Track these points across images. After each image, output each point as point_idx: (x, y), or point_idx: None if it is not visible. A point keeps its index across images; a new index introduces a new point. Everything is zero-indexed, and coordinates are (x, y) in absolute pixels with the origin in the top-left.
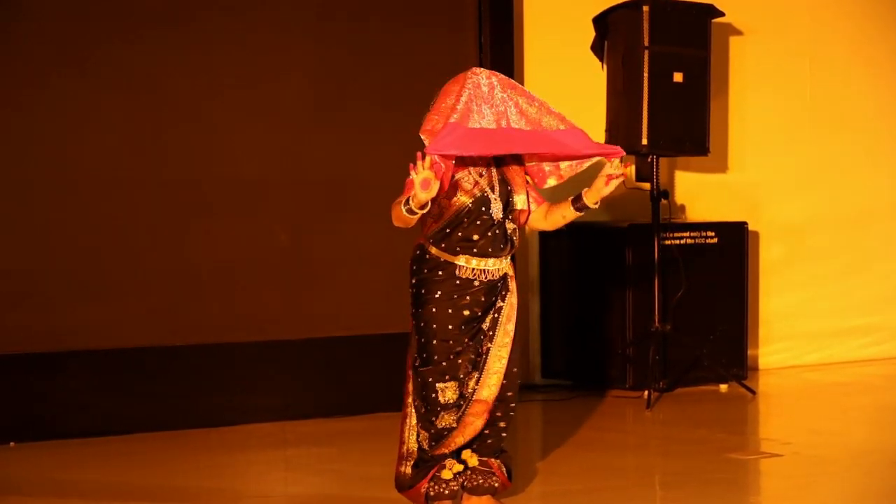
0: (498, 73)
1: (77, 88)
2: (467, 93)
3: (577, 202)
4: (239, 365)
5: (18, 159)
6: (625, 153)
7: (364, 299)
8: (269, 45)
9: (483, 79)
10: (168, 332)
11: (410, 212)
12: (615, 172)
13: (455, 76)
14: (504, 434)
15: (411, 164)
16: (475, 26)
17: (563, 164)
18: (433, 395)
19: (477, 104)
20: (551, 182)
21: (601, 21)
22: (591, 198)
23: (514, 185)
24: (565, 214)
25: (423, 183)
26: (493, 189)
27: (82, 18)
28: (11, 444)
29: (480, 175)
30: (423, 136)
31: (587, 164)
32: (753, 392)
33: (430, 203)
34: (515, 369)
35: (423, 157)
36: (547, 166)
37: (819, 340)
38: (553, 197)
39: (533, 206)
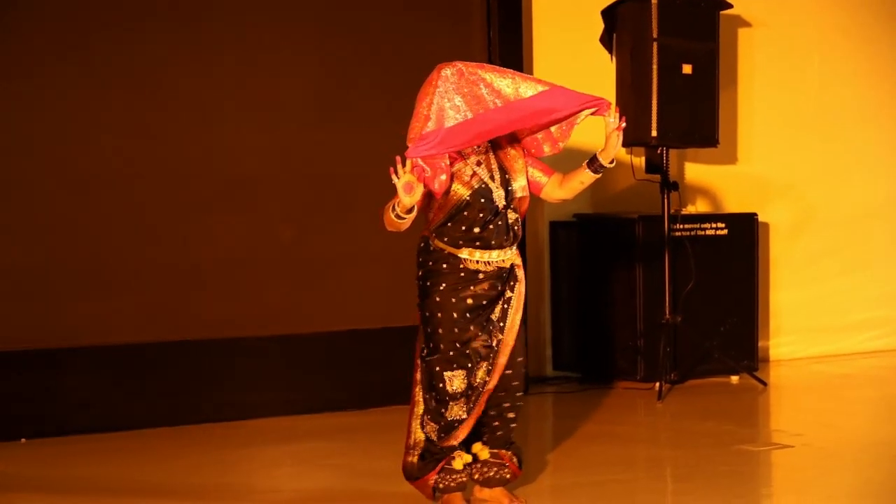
0: (463, 61)
1: (80, 86)
2: (438, 91)
3: (593, 164)
4: (245, 360)
5: (20, 156)
6: (610, 102)
7: (369, 294)
8: (272, 41)
9: (449, 71)
10: (174, 327)
11: (398, 216)
12: (617, 124)
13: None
14: (513, 425)
15: (391, 169)
16: (483, 20)
17: (554, 129)
18: (441, 385)
19: (449, 98)
20: (546, 150)
21: (610, 13)
22: (606, 156)
23: (511, 171)
24: (583, 180)
25: (405, 187)
26: (492, 178)
27: (85, 17)
28: (22, 440)
29: (478, 164)
30: (409, 145)
31: (578, 121)
32: (765, 384)
33: (415, 208)
34: (521, 359)
35: (403, 162)
36: (539, 135)
37: (829, 332)
38: (562, 168)
39: (543, 179)
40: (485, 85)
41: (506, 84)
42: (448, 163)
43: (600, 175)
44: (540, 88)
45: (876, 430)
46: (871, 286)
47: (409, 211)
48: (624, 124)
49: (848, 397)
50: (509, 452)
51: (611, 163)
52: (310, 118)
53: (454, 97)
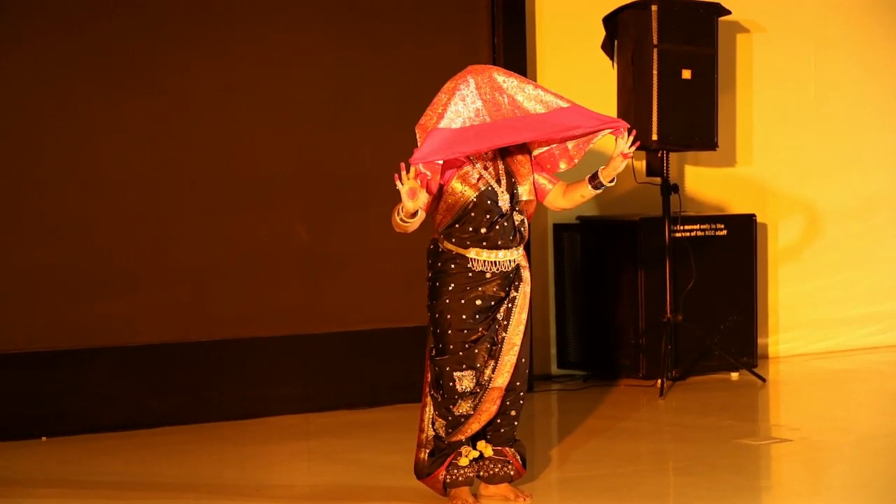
0: (495, 66)
1: (100, 89)
2: (459, 92)
3: (594, 180)
4: (262, 359)
5: (42, 159)
6: (628, 125)
7: (383, 293)
8: (287, 45)
9: (477, 75)
10: (192, 327)
11: (403, 220)
12: (628, 150)
13: (455, 73)
14: (516, 423)
15: (396, 175)
16: (488, 27)
17: (570, 145)
18: (450, 384)
19: (469, 102)
20: (563, 166)
21: (611, 20)
22: (608, 175)
23: (517, 176)
24: (584, 193)
25: (409, 193)
26: (498, 182)
27: (104, 21)
28: (43, 438)
29: (485, 168)
30: (416, 131)
31: (595, 139)
32: (764, 379)
33: (420, 212)
34: (524, 360)
35: (407, 168)
36: (556, 150)
37: (827, 329)
38: (570, 176)
39: (548, 186)
40: (507, 95)
41: (527, 97)
42: (441, 162)
43: (601, 191)
44: (561, 104)
45: (874, 423)
46: (868, 283)
47: (414, 215)
48: (633, 151)
49: (846, 392)
50: (512, 450)
51: (611, 182)
52: (324, 119)
53: (476, 101)
